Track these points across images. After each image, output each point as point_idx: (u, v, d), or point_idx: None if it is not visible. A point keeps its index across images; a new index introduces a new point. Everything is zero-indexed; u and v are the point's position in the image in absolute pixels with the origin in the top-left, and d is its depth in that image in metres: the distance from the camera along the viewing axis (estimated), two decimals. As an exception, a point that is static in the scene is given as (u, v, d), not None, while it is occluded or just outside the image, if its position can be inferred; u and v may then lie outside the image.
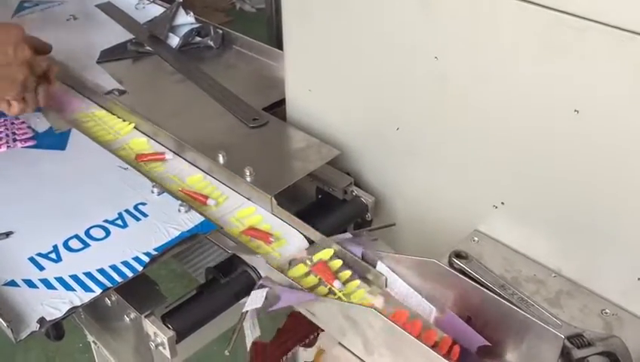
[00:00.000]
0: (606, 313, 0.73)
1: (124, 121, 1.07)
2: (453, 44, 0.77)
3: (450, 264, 0.79)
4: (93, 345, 0.95)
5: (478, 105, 0.78)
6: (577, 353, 0.66)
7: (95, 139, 1.00)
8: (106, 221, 0.83)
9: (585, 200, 0.73)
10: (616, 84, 0.65)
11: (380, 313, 0.65)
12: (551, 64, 0.69)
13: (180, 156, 0.99)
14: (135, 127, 1.05)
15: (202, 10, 1.36)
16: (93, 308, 0.82)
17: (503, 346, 0.68)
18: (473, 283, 0.71)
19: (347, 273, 0.79)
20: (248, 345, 0.76)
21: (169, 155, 0.99)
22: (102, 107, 1.11)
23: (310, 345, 0.84)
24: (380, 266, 0.77)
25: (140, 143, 1.02)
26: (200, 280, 0.87)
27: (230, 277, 0.80)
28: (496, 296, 0.69)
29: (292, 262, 0.81)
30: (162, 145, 1.02)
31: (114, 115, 1.09)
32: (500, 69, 0.74)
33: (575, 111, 0.69)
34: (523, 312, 0.66)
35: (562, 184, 0.74)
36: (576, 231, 0.75)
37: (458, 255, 0.80)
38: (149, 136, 1.03)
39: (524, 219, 0.80)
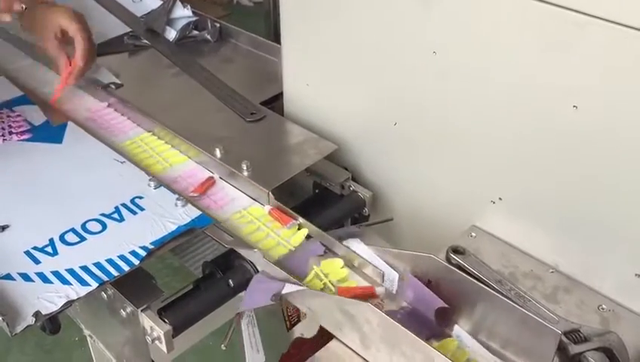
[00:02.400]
0: (603, 309, 0.73)
1: (172, 147, 1.00)
2: (452, 39, 0.76)
3: (448, 259, 0.79)
4: (89, 338, 0.94)
5: (477, 101, 0.78)
6: (574, 348, 0.66)
7: (144, 168, 0.93)
8: (102, 214, 0.83)
9: (583, 196, 0.73)
10: (616, 79, 0.65)
11: (377, 308, 0.65)
12: (550, 59, 0.69)
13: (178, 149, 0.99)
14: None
15: (200, 4, 1.35)
16: (90, 302, 0.82)
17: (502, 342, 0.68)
18: (470, 278, 0.71)
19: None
20: (243, 327, 0.76)
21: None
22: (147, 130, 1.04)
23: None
24: (383, 266, 0.77)
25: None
26: (197, 274, 0.87)
27: (227, 271, 0.80)
28: (493, 291, 0.69)
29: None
30: (162, 139, 1.01)
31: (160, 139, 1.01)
32: (498, 64, 0.73)
33: (574, 106, 0.69)
34: (520, 307, 0.66)
35: (560, 180, 0.74)
36: (573, 226, 0.75)
37: (455, 250, 0.80)
38: (149, 131, 1.03)
39: (521, 215, 0.80)
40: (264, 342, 0.79)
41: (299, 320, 0.89)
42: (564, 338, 0.67)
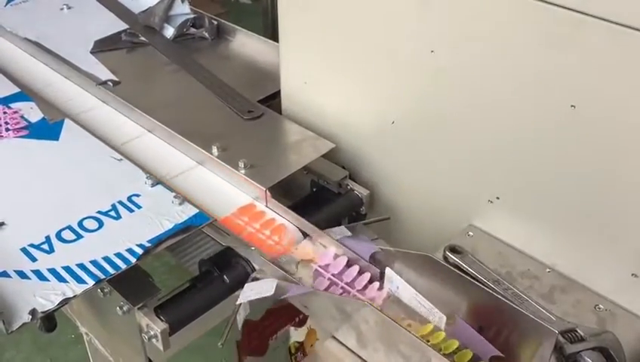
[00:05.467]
0: (599, 308, 0.73)
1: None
2: (450, 38, 0.76)
3: (445, 258, 0.79)
4: (85, 336, 0.94)
5: (474, 100, 0.77)
6: (570, 348, 0.66)
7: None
8: (99, 212, 0.83)
9: (580, 196, 0.73)
10: (613, 79, 0.65)
11: (375, 307, 0.65)
12: (548, 58, 0.69)
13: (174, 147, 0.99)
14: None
15: (197, 2, 1.34)
16: (86, 300, 0.82)
17: (499, 342, 0.68)
18: (467, 277, 0.70)
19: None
20: (240, 326, 0.76)
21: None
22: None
23: (300, 324, 0.84)
24: (389, 272, 0.76)
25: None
26: (193, 272, 0.87)
27: (224, 270, 0.80)
28: (490, 291, 0.69)
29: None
30: (158, 136, 1.01)
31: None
32: (496, 64, 0.73)
33: (572, 106, 0.69)
34: (517, 307, 0.66)
35: (557, 179, 0.74)
36: (571, 226, 0.75)
37: (453, 249, 0.80)
38: (145, 129, 1.03)
39: (519, 215, 0.80)
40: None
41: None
42: (560, 338, 0.67)
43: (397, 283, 0.72)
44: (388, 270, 0.73)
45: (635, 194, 0.68)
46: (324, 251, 0.79)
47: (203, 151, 0.94)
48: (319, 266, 0.77)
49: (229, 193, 0.91)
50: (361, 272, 0.76)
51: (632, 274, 0.71)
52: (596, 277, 0.75)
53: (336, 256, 0.78)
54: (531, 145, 0.74)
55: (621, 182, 0.69)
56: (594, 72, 0.66)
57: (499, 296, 0.68)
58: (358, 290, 0.74)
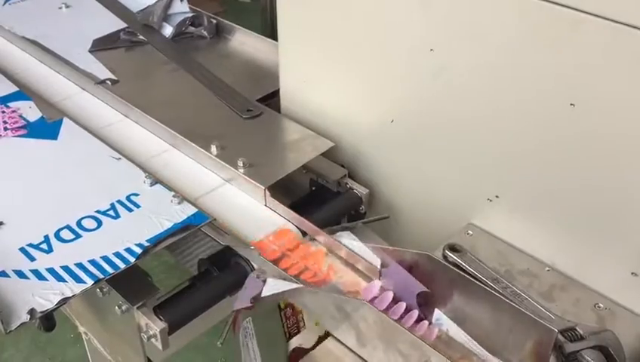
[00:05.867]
0: (599, 307, 0.73)
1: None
2: (449, 36, 0.76)
3: (444, 257, 0.79)
4: (84, 336, 0.94)
5: (473, 98, 0.77)
6: (570, 347, 0.66)
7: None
8: (98, 211, 0.82)
9: (580, 194, 0.73)
10: (612, 77, 0.65)
11: (373, 306, 0.65)
12: (546, 57, 0.68)
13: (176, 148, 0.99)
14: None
15: (196, 0, 1.34)
16: (85, 299, 0.82)
17: (498, 340, 0.68)
18: (467, 276, 0.70)
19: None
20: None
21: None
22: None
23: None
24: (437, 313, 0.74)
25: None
26: (192, 271, 0.87)
27: (223, 269, 0.80)
28: (489, 290, 0.69)
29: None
30: (157, 135, 1.01)
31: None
32: (495, 61, 0.73)
33: (571, 104, 0.69)
34: (516, 305, 0.66)
35: (557, 178, 0.74)
36: (570, 225, 0.75)
37: (452, 248, 0.80)
38: (142, 127, 1.03)
39: (518, 213, 0.80)
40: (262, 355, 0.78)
41: (298, 331, 0.88)
42: (560, 337, 0.67)
43: (446, 324, 0.70)
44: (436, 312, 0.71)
45: (635, 193, 0.68)
46: (370, 284, 0.74)
47: (202, 150, 0.94)
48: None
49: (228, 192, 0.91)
50: (407, 309, 0.71)
51: (632, 273, 0.71)
52: (596, 276, 0.75)
53: (382, 290, 0.73)
54: (530, 143, 0.74)
55: (621, 180, 0.68)
56: (593, 70, 0.66)
57: (498, 295, 0.68)
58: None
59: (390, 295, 0.69)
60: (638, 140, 0.65)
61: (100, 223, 0.81)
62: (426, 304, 0.70)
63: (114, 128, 1.03)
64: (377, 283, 0.70)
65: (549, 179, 0.75)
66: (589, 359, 0.65)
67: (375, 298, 0.69)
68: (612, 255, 0.72)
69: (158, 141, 1.00)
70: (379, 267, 0.73)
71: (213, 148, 0.93)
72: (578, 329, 0.68)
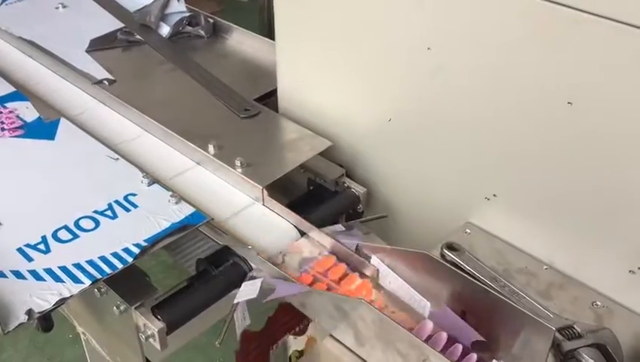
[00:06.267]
0: (597, 305, 0.74)
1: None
2: (447, 35, 0.76)
3: (442, 256, 0.79)
4: (82, 336, 0.94)
5: (471, 97, 0.77)
6: (568, 345, 0.67)
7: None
8: (95, 212, 0.82)
9: (578, 194, 0.73)
10: (611, 76, 0.65)
11: (372, 305, 0.65)
12: (545, 55, 0.68)
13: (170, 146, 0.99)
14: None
15: (194, 0, 1.34)
16: (83, 300, 0.82)
17: (496, 339, 0.68)
18: (465, 275, 0.70)
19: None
20: (238, 333, 0.76)
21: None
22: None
23: (300, 333, 0.84)
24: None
25: None
26: (191, 271, 0.87)
27: (221, 268, 0.80)
28: (487, 288, 0.69)
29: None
30: (152, 134, 1.01)
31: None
32: (493, 60, 0.73)
33: (569, 103, 0.69)
34: (514, 304, 0.66)
35: (555, 177, 0.74)
36: (568, 223, 0.75)
37: (450, 247, 0.80)
38: (139, 127, 1.02)
39: (516, 212, 0.80)
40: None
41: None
42: (558, 335, 0.68)
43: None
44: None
45: (633, 192, 0.68)
46: (423, 324, 0.72)
47: (200, 150, 0.94)
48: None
49: (226, 192, 0.91)
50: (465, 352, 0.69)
51: (630, 271, 0.71)
52: (594, 274, 0.75)
53: (435, 330, 0.71)
54: (528, 142, 0.74)
55: (619, 179, 0.69)
56: (590, 69, 0.66)
57: (496, 293, 0.68)
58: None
59: (444, 336, 0.68)
60: (636, 139, 0.66)
61: (97, 223, 0.81)
62: (481, 350, 0.68)
63: (112, 128, 1.03)
64: (429, 324, 0.70)
65: (547, 178, 0.75)
66: (587, 357, 0.66)
67: (430, 337, 0.68)
68: (610, 253, 0.72)
69: (156, 141, 1.00)
70: (426, 310, 0.72)
71: (211, 148, 0.93)
72: (576, 328, 0.69)
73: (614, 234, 0.71)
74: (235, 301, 0.75)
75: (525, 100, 0.72)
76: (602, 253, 0.73)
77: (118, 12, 1.31)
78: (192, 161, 0.96)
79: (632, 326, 0.69)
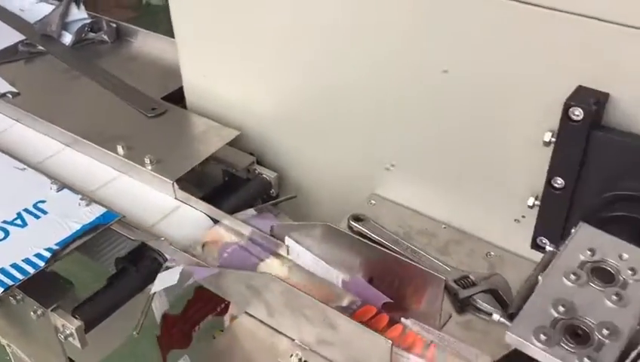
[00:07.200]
0: (490, 255, 0.79)
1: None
2: (329, 12, 0.80)
3: (350, 227, 0.83)
4: (7, 348, 0.93)
5: (357, 71, 0.82)
6: (463, 293, 0.72)
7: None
8: (4, 222, 0.82)
9: (463, 154, 0.78)
10: (484, 44, 0.70)
11: (278, 277, 0.68)
12: (420, 26, 0.73)
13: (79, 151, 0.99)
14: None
15: (107, 8, 1.33)
16: (1, 311, 0.82)
17: (403, 298, 0.72)
18: (366, 241, 0.75)
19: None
20: (158, 319, 0.78)
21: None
22: None
23: (222, 313, 0.86)
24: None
25: None
26: (111, 271, 0.88)
27: (138, 264, 0.82)
28: (387, 251, 0.73)
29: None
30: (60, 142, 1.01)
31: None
32: (373, 33, 0.77)
33: (444, 71, 0.74)
34: (411, 262, 0.71)
35: (441, 142, 0.79)
36: (460, 183, 0.81)
37: (356, 218, 0.84)
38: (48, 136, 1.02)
39: (413, 179, 0.85)
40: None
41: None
42: (454, 285, 0.73)
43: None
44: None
45: (509, 146, 0.74)
46: None
47: (109, 152, 0.95)
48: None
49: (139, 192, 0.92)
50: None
51: (515, 220, 0.77)
52: (485, 227, 0.81)
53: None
54: (411, 111, 0.79)
55: (497, 135, 0.74)
56: (465, 38, 0.71)
57: (395, 254, 0.72)
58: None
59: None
60: (506, 102, 0.71)
61: (7, 233, 0.81)
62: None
63: (19, 140, 1.02)
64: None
65: (434, 143, 0.80)
66: (481, 302, 0.71)
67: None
68: (496, 207, 0.78)
69: (65, 148, 1.00)
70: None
71: (120, 149, 0.94)
72: (471, 277, 0.74)
73: (499, 187, 0.77)
74: (152, 291, 0.77)
75: (404, 70, 0.77)
76: (490, 207, 0.79)
77: (18, 24, 1.29)
78: (116, 171, 0.96)
79: (519, 270, 0.74)
